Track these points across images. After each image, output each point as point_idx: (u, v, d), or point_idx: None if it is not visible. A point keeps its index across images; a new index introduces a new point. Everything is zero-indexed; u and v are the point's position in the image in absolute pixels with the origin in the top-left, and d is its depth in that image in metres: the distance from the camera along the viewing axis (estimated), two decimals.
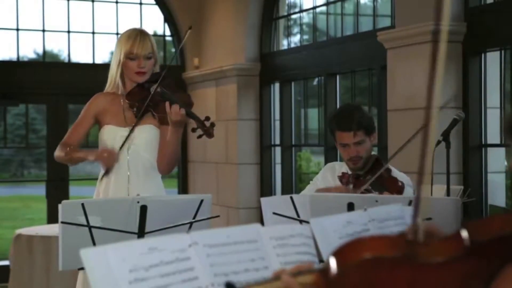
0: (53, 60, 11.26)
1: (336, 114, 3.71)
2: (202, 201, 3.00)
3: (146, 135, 3.62)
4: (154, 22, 8.70)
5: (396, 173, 3.64)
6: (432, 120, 1.26)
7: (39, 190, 9.09)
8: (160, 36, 8.63)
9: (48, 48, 9.32)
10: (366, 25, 6.53)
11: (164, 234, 2.76)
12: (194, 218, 2.98)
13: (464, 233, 1.20)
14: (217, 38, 8.11)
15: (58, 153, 3.64)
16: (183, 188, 8.67)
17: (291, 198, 3.15)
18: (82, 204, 2.84)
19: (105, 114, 3.67)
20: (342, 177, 3.65)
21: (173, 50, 8.95)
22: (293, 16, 7.77)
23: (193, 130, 3.55)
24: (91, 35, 8.29)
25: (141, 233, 2.91)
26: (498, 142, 5.29)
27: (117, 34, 8.31)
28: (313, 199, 3.10)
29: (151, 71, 3.67)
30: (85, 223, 2.84)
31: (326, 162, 6.64)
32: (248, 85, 7.68)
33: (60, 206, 2.84)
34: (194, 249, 1.49)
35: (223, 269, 1.51)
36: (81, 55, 8.46)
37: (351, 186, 3.65)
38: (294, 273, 1.27)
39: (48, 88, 8.03)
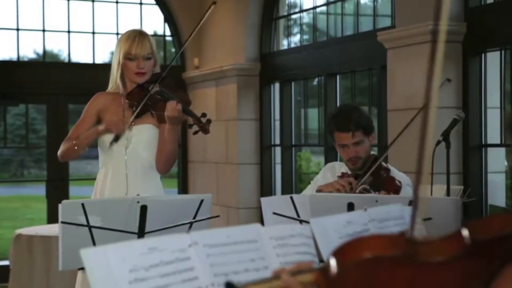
0: (53, 60, 11.25)
1: (334, 115, 3.70)
2: (202, 201, 3.00)
3: (145, 135, 3.63)
4: (154, 22, 8.70)
5: (395, 173, 3.64)
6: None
7: (39, 190, 9.09)
8: (160, 36, 8.63)
9: (48, 48, 9.32)
10: (366, 25, 6.53)
11: (164, 234, 2.76)
12: (194, 218, 2.98)
13: (465, 232, 1.20)
14: (217, 38, 8.11)
15: (63, 147, 3.63)
16: (183, 188, 8.67)
17: (291, 198, 3.15)
18: (82, 204, 2.84)
19: (105, 112, 3.69)
20: (342, 177, 3.65)
21: (173, 50, 8.95)
22: (293, 16, 7.77)
23: (189, 126, 3.56)
24: (91, 35, 8.29)
25: (141, 233, 2.91)
26: (498, 142, 5.29)
27: (117, 34, 8.31)
28: (313, 199, 3.10)
29: (151, 72, 3.68)
30: (85, 223, 2.84)
31: (326, 162, 6.64)
32: (248, 85, 7.68)
33: (60, 206, 2.84)
34: (194, 249, 1.49)
35: (223, 269, 1.51)
36: (81, 55, 8.46)
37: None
38: (294, 272, 1.27)
39: (48, 88, 8.03)
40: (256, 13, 7.67)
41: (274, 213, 3.17)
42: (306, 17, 7.72)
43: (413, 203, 1.30)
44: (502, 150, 5.50)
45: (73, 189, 8.31)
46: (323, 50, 6.91)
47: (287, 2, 7.71)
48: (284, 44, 7.83)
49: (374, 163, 3.61)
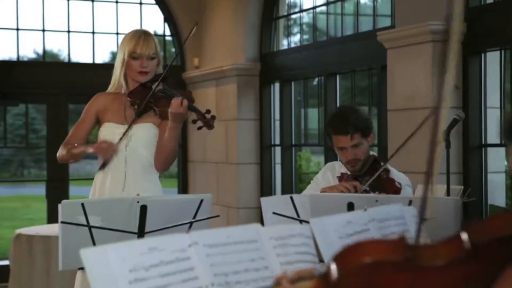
0: (53, 60, 11.27)
1: (332, 118, 3.69)
2: (202, 201, 3.00)
3: (145, 133, 3.63)
4: (154, 22, 8.70)
5: (395, 173, 3.64)
6: (440, 121, 1.26)
7: (39, 190, 9.09)
8: (160, 36, 8.63)
9: (48, 48, 9.32)
10: (366, 25, 6.53)
11: (164, 234, 2.76)
12: (194, 218, 2.98)
13: (464, 236, 1.20)
14: (217, 38, 8.11)
15: (60, 152, 3.68)
16: (183, 188, 8.67)
17: (291, 198, 3.15)
18: (82, 204, 2.84)
19: (105, 112, 3.69)
20: (341, 178, 3.65)
21: (173, 50, 8.95)
22: (293, 16, 7.77)
23: (194, 121, 3.57)
24: (91, 35, 8.29)
25: (141, 233, 2.90)
26: (498, 142, 5.29)
27: (117, 34, 8.31)
28: (313, 199, 3.10)
29: (154, 72, 3.69)
30: (85, 223, 2.84)
31: (326, 162, 6.64)
32: (248, 85, 7.68)
33: (60, 206, 2.84)
34: (194, 249, 1.49)
35: (223, 269, 1.51)
36: (81, 55, 8.46)
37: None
38: (294, 280, 1.27)
39: (48, 88, 8.03)
40: (256, 13, 7.67)
41: (274, 213, 3.17)
42: (306, 17, 7.72)
43: (419, 214, 1.29)
44: (502, 150, 5.50)
45: (73, 189, 8.30)
46: (323, 50, 6.91)
47: (287, 2, 7.71)
48: (284, 44, 7.83)
49: (373, 164, 3.61)
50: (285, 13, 7.73)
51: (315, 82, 7.71)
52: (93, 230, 2.86)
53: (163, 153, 3.60)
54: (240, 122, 7.65)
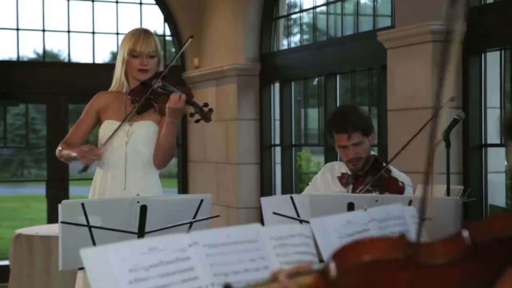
0: (53, 60, 11.26)
1: (333, 116, 3.70)
2: (202, 201, 3.00)
3: (145, 131, 3.63)
4: (154, 22, 8.71)
5: (396, 173, 3.64)
6: (438, 121, 1.26)
7: (39, 190, 9.09)
8: (160, 36, 8.63)
9: (48, 48, 9.32)
10: (366, 25, 6.53)
11: (164, 234, 2.76)
12: (194, 218, 2.98)
13: (465, 234, 1.20)
14: (217, 38, 8.11)
15: (59, 150, 3.70)
16: (183, 188, 8.67)
17: (291, 198, 3.15)
18: (82, 204, 2.84)
19: (106, 110, 3.70)
20: (342, 178, 3.65)
21: (173, 50, 8.96)
22: (293, 16, 7.77)
23: (191, 115, 3.58)
24: (91, 35, 8.29)
25: (141, 233, 2.90)
26: (498, 142, 5.29)
27: (117, 34, 8.31)
28: (313, 199, 3.10)
29: (154, 70, 3.70)
30: (85, 223, 2.84)
31: (326, 162, 6.63)
32: (248, 85, 7.68)
33: (60, 206, 2.84)
34: (194, 249, 1.49)
35: (223, 269, 1.51)
36: (81, 55, 8.46)
37: (350, 186, 3.65)
38: (292, 274, 1.26)
39: (48, 88, 8.03)
40: (256, 13, 7.67)
41: (274, 213, 3.17)
42: (306, 17, 7.72)
43: (419, 214, 1.29)
44: (502, 150, 5.50)
45: (73, 189, 8.30)
46: (323, 50, 6.91)
47: (287, 2, 7.71)
48: (284, 44, 7.83)
49: (374, 164, 3.60)
50: (285, 13, 7.73)
51: (315, 82, 7.71)
52: (93, 230, 2.86)
53: (161, 149, 3.60)
54: (240, 122, 7.65)
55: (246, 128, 7.68)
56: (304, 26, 8.05)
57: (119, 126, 3.61)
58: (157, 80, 3.63)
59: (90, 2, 8.26)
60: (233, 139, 7.70)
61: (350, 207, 2.96)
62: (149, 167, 3.66)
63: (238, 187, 7.64)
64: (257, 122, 7.72)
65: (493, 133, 5.28)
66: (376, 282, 1.17)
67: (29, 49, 9.28)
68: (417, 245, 1.19)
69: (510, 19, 4.98)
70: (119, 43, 3.84)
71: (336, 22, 7.14)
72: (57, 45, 11.32)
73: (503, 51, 5.25)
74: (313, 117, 7.47)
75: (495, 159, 5.36)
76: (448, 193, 4.02)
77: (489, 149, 5.29)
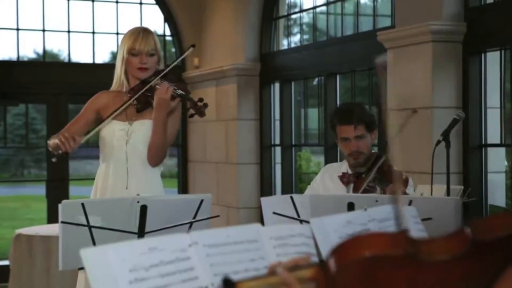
0: (53, 60, 11.26)
1: (338, 109, 3.74)
2: (202, 201, 3.00)
3: (145, 130, 3.63)
4: (154, 22, 8.70)
5: None
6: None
7: (39, 190, 9.10)
8: (160, 36, 8.63)
9: (48, 48, 9.32)
10: (366, 25, 6.53)
11: (164, 234, 2.76)
12: (194, 218, 2.98)
13: (467, 232, 1.19)
14: (217, 38, 8.11)
15: (50, 141, 3.68)
16: (183, 188, 8.67)
17: (291, 198, 3.15)
18: (82, 204, 2.84)
19: (107, 110, 3.69)
20: (343, 177, 3.65)
21: (173, 50, 8.96)
22: (293, 16, 7.77)
23: (186, 109, 3.58)
24: (91, 35, 8.29)
25: (141, 233, 2.90)
26: (498, 142, 5.29)
27: (117, 34, 8.31)
28: (313, 199, 3.10)
29: (154, 69, 3.70)
30: (85, 223, 2.84)
31: (326, 162, 6.64)
32: (248, 85, 7.68)
33: (60, 206, 2.84)
34: (194, 249, 1.49)
35: (223, 269, 1.51)
36: (81, 55, 8.46)
37: (351, 185, 3.65)
38: (291, 268, 1.26)
39: (48, 88, 8.03)
40: (256, 13, 7.67)
41: (274, 213, 3.17)
42: (306, 17, 7.72)
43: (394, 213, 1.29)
44: (502, 150, 5.50)
45: (73, 189, 8.31)
46: (323, 50, 6.91)
47: (287, 2, 7.71)
48: (284, 44, 7.83)
49: (376, 161, 3.60)
50: (285, 13, 7.73)
51: (315, 82, 7.71)
52: (93, 230, 2.86)
53: (152, 145, 3.59)
54: (240, 122, 7.65)
55: (246, 128, 7.68)
56: (304, 26, 8.05)
57: (114, 113, 3.59)
58: (156, 77, 3.64)
59: (90, 2, 8.26)
60: (233, 139, 7.70)
61: (350, 207, 2.96)
62: (150, 166, 3.65)
63: (238, 187, 7.64)
64: (257, 122, 7.72)
65: (493, 133, 5.28)
66: (375, 277, 1.17)
67: (29, 49, 9.28)
68: (418, 242, 1.19)
69: (510, 19, 4.98)
70: (119, 43, 3.84)
71: (336, 22, 7.13)
72: (57, 45, 11.32)
73: (503, 51, 5.25)
74: (313, 117, 7.47)
75: (495, 159, 5.36)
76: (448, 193, 4.02)
77: (489, 149, 5.29)
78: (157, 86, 3.63)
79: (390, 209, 2.31)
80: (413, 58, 5.37)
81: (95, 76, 7.37)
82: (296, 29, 8.01)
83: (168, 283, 1.42)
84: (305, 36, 8.11)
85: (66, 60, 8.46)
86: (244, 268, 1.55)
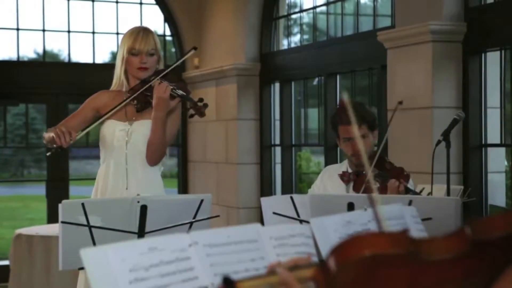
0: (53, 60, 11.26)
1: (340, 108, 3.72)
2: (202, 201, 3.00)
3: (145, 130, 3.62)
4: (154, 22, 8.70)
5: None
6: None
7: (39, 190, 9.09)
8: (160, 36, 8.63)
9: (48, 48, 9.32)
10: (366, 25, 6.53)
11: (164, 234, 2.76)
12: (194, 218, 2.98)
13: (468, 231, 1.19)
14: (217, 38, 8.11)
15: (45, 134, 3.68)
16: (183, 188, 8.67)
17: (291, 198, 3.15)
18: (82, 204, 2.84)
19: (105, 109, 3.69)
20: (343, 175, 3.65)
21: (173, 50, 8.96)
22: (293, 16, 7.77)
23: (186, 109, 3.58)
24: (91, 35, 8.29)
25: (141, 233, 2.90)
26: (498, 142, 5.29)
27: (117, 34, 8.31)
28: (313, 199, 3.10)
29: (154, 68, 3.70)
30: (85, 223, 2.84)
31: (326, 162, 6.64)
32: (248, 85, 7.68)
33: (60, 206, 2.84)
34: (194, 249, 1.49)
35: (223, 269, 1.51)
36: (81, 55, 8.46)
37: (351, 184, 3.66)
38: (291, 267, 1.26)
39: (48, 88, 8.03)
40: (256, 13, 7.67)
41: (274, 213, 3.17)
42: (306, 17, 7.72)
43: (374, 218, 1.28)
44: (502, 150, 5.50)
45: (73, 189, 8.31)
46: (323, 50, 6.91)
47: (287, 2, 7.71)
48: (284, 44, 7.83)
49: (378, 160, 3.59)
50: (285, 13, 7.73)
51: (315, 82, 7.71)
52: (93, 230, 2.86)
53: (151, 145, 3.59)
54: (240, 122, 7.65)
55: (246, 128, 7.68)
56: (304, 26, 8.05)
57: (112, 111, 3.59)
58: (155, 77, 3.64)
59: (90, 2, 8.26)
60: (233, 139, 7.70)
61: (350, 207, 2.96)
62: (150, 166, 3.65)
63: (238, 187, 7.64)
64: (257, 122, 7.72)
65: (493, 133, 5.28)
66: (375, 277, 1.17)
67: (29, 49, 9.28)
68: (419, 241, 1.18)
69: (510, 19, 4.98)
70: (119, 42, 3.84)
71: (336, 22, 7.14)
72: (57, 45, 11.31)
73: (503, 51, 5.25)
74: (313, 117, 7.47)
75: (495, 159, 5.36)
76: (448, 193, 4.02)
77: (489, 149, 5.29)
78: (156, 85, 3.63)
79: (390, 209, 2.31)
80: (413, 58, 5.37)
81: (95, 76, 7.37)
82: (296, 29, 8.01)
83: (168, 283, 1.42)
84: (305, 36, 8.11)
85: (66, 60, 8.46)
86: (244, 268, 1.55)
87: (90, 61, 8.32)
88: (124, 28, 8.18)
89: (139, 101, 3.64)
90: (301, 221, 3.07)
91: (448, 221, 2.90)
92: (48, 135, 3.56)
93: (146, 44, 3.65)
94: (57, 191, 7.86)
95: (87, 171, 15.03)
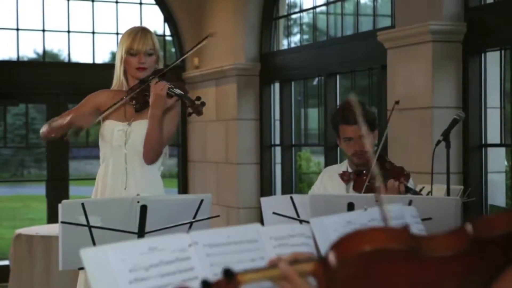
0: (53, 60, 11.26)
1: (340, 108, 3.71)
2: (202, 201, 3.00)
3: (144, 130, 3.62)
4: (154, 22, 8.70)
5: None
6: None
7: (39, 190, 9.09)
8: (160, 36, 8.63)
9: (48, 48, 9.32)
10: (366, 25, 6.53)
11: (164, 234, 2.76)
12: (194, 218, 2.98)
13: (469, 228, 1.19)
14: (217, 38, 8.09)
15: (42, 129, 3.68)
16: (183, 188, 8.67)
17: (291, 198, 3.15)
18: (82, 204, 2.84)
19: (105, 108, 3.69)
20: (343, 175, 3.65)
21: (173, 50, 8.95)
22: (293, 16, 7.77)
23: (184, 108, 3.58)
24: (91, 35, 8.29)
25: (141, 233, 2.90)
26: (498, 142, 5.29)
27: (117, 34, 8.31)
28: (313, 199, 3.10)
29: (153, 68, 3.70)
30: (85, 223, 2.84)
31: (326, 162, 6.64)
32: (248, 85, 7.68)
33: (60, 206, 2.84)
34: (194, 249, 1.49)
35: None
36: (81, 55, 8.46)
37: (352, 183, 3.65)
38: (291, 261, 1.26)
39: (48, 88, 8.03)
40: (256, 13, 7.67)
41: (274, 213, 3.17)
42: (306, 17, 7.72)
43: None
44: (502, 150, 5.50)
45: (73, 189, 8.31)
46: (323, 50, 6.90)
47: (287, 2, 7.71)
48: (284, 44, 7.83)
49: (378, 159, 3.59)
50: (285, 13, 7.73)
51: (315, 82, 7.71)
52: (93, 230, 2.85)
53: (147, 144, 3.58)
54: (240, 122, 7.65)
55: (246, 128, 7.68)
56: (304, 26, 8.05)
57: (114, 106, 3.61)
58: (154, 77, 3.64)
59: (90, 2, 8.26)
60: (233, 139, 7.70)
61: (350, 207, 2.96)
62: (149, 166, 3.65)
63: (238, 187, 7.64)
64: (257, 122, 7.72)
65: (493, 133, 5.28)
66: (376, 273, 1.17)
67: (29, 49, 9.28)
68: (419, 238, 1.18)
69: (510, 19, 4.98)
70: (118, 43, 3.84)
71: (336, 22, 7.13)
72: (57, 45, 11.32)
73: (503, 51, 5.25)
74: (313, 117, 7.47)
75: (495, 159, 5.36)
76: (448, 193, 4.02)
77: (489, 149, 5.29)
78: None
79: (390, 209, 2.31)
80: (413, 58, 5.37)
81: (95, 76, 7.36)
82: (296, 29, 8.01)
83: (168, 283, 1.41)
84: (305, 36, 8.11)
85: (66, 60, 8.46)
86: (244, 268, 1.55)
87: (90, 61, 8.32)
88: (124, 28, 8.13)
89: (138, 101, 3.64)
90: (301, 221, 3.06)
91: (448, 221, 2.90)
92: (58, 123, 3.59)
93: (144, 44, 3.65)
94: (57, 191, 7.86)
95: (87, 171, 15.03)
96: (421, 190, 3.62)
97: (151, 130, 3.55)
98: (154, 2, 8.57)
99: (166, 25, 8.67)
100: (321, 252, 1.92)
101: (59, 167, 7.96)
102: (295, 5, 7.66)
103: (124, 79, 3.72)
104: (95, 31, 8.29)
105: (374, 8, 6.40)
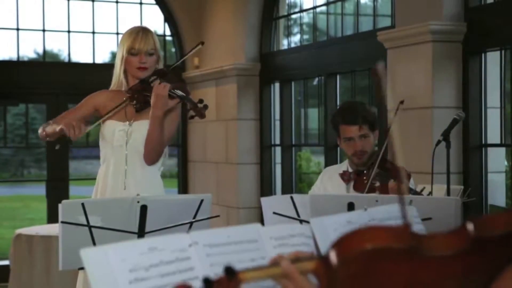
0: (53, 60, 11.26)
1: (341, 109, 3.72)
2: (202, 201, 3.00)
3: (145, 130, 3.62)
4: (154, 22, 8.70)
5: None
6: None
7: (39, 190, 9.10)
8: (160, 36, 8.63)
9: (48, 48, 9.32)
10: (366, 25, 6.53)
11: (164, 234, 2.76)
12: (194, 218, 2.98)
13: (470, 228, 1.19)
14: (217, 38, 8.11)
15: (39, 130, 3.69)
16: (183, 188, 8.67)
17: (291, 198, 3.15)
18: (82, 204, 2.84)
19: (104, 108, 3.69)
20: (344, 175, 3.65)
21: (173, 50, 8.95)
22: (293, 16, 7.76)
23: (186, 110, 3.57)
24: (91, 35, 8.29)
25: (141, 233, 2.90)
26: (498, 142, 5.29)
27: (117, 34, 8.31)
28: (313, 199, 3.10)
29: (153, 68, 3.70)
30: (85, 223, 2.84)
31: (326, 162, 6.64)
32: (248, 85, 7.68)
33: (60, 205, 2.84)
34: (194, 249, 1.49)
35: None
36: (81, 55, 8.46)
37: (352, 183, 3.66)
38: (293, 260, 1.26)
39: (48, 88, 8.03)
40: (256, 13, 7.67)
41: (274, 213, 3.17)
42: (306, 17, 7.72)
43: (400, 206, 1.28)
44: (502, 150, 5.50)
45: (73, 189, 8.31)
46: (323, 50, 6.90)
47: (287, 2, 7.71)
48: (284, 44, 7.83)
49: (378, 159, 3.59)
50: (285, 13, 7.73)
51: (315, 82, 7.71)
52: (93, 230, 2.85)
53: (148, 144, 3.58)
54: (240, 122, 7.65)
55: (246, 128, 7.68)
56: (304, 26, 8.05)
57: (114, 110, 3.60)
58: (155, 78, 3.64)
59: (90, 2, 8.26)
60: (233, 139, 7.70)
61: (350, 207, 2.96)
62: (150, 167, 3.65)
63: (238, 187, 7.64)
64: (257, 122, 7.72)
65: (493, 133, 5.28)
66: (376, 271, 1.17)
67: (29, 49, 9.28)
68: (420, 237, 1.18)
69: (510, 19, 4.98)
70: (119, 42, 3.84)
71: (336, 22, 7.13)
72: (57, 45, 11.31)
73: (503, 51, 5.25)
74: (313, 117, 7.47)
75: (495, 159, 5.36)
76: (448, 193, 4.02)
77: (489, 149, 5.29)
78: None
79: (390, 209, 2.31)
80: (413, 58, 5.37)
81: (95, 76, 7.35)
82: (296, 29, 8.01)
83: (168, 283, 1.41)
84: (305, 36, 8.11)
85: (66, 60, 8.46)
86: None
87: (90, 61, 8.32)
88: (124, 28, 8.14)
89: (138, 101, 3.64)
90: (301, 221, 3.06)
91: (448, 221, 2.90)
92: (52, 128, 3.58)
93: (145, 44, 3.65)
94: (57, 191, 7.86)
95: (87, 171, 15.04)
96: (421, 190, 3.62)
97: (152, 130, 3.55)
98: (154, 2, 8.57)
99: (166, 25, 8.67)
100: (321, 252, 1.92)
101: (59, 167, 7.96)
102: (295, 5, 7.66)
103: (124, 79, 3.71)
104: (95, 31, 8.29)
105: (374, 8, 6.40)
